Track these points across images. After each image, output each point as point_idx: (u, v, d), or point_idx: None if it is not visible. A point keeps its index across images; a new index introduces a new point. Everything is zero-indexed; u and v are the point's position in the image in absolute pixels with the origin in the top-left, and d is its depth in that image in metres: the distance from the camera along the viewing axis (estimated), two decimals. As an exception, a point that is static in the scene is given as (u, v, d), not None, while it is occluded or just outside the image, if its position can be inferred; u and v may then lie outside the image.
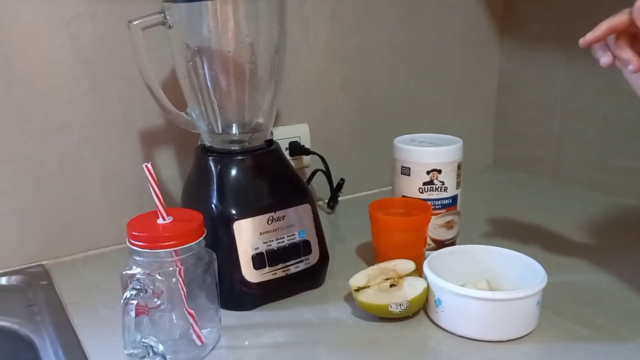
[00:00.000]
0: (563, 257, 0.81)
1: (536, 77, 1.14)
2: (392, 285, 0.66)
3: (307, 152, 0.99)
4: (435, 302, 0.64)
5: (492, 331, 0.61)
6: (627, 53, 0.58)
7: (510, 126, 1.22)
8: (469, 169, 1.16)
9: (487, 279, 0.68)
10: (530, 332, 0.62)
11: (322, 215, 0.94)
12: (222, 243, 0.67)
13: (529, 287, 0.61)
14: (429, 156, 0.76)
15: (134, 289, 0.54)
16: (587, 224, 0.92)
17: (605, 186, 1.05)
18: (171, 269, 0.56)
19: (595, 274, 0.76)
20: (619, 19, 0.57)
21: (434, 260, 0.67)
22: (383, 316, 0.65)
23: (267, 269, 0.68)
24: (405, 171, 0.78)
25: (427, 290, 0.65)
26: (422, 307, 0.66)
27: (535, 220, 0.95)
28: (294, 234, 0.71)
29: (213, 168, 0.71)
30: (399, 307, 0.63)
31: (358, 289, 0.66)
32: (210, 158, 0.71)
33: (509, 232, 0.91)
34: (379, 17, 1.03)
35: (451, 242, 0.80)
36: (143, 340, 0.57)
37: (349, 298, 0.70)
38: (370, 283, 0.66)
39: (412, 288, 0.65)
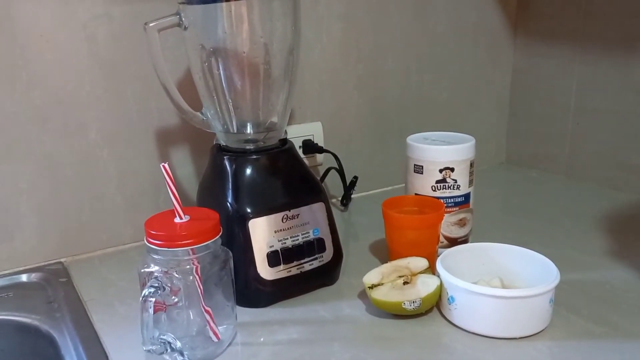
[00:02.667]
0: (577, 255, 0.81)
1: (550, 75, 1.13)
2: (405, 283, 0.66)
3: (321, 150, 0.99)
4: (448, 299, 0.64)
5: (505, 328, 0.61)
6: None
7: (523, 124, 1.21)
8: (482, 166, 1.16)
9: (499, 277, 0.68)
10: (543, 330, 0.62)
11: (336, 213, 0.95)
12: (237, 241, 0.68)
13: (542, 284, 0.61)
14: (442, 154, 0.77)
15: (152, 286, 0.55)
16: (601, 222, 0.92)
17: (620, 184, 1.05)
18: (188, 267, 0.57)
19: (609, 271, 0.76)
20: None
21: (446, 257, 0.68)
22: (396, 313, 0.66)
23: (281, 266, 0.69)
24: (418, 169, 0.78)
25: (440, 287, 0.65)
26: (435, 304, 0.67)
27: (549, 218, 0.95)
28: (308, 232, 0.72)
29: (228, 167, 0.72)
30: (412, 304, 0.64)
31: (372, 287, 0.66)
32: (225, 157, 0.72)
33: (521, 229, 0.91)
34: (392, 15, 1.04)
35: (464, 240, 0.80)
36: (161, 336, 0.58)
37: (363, 295, 0.71)
38: (384, 280, 0.67)
39: (425, 285, 0.65)
